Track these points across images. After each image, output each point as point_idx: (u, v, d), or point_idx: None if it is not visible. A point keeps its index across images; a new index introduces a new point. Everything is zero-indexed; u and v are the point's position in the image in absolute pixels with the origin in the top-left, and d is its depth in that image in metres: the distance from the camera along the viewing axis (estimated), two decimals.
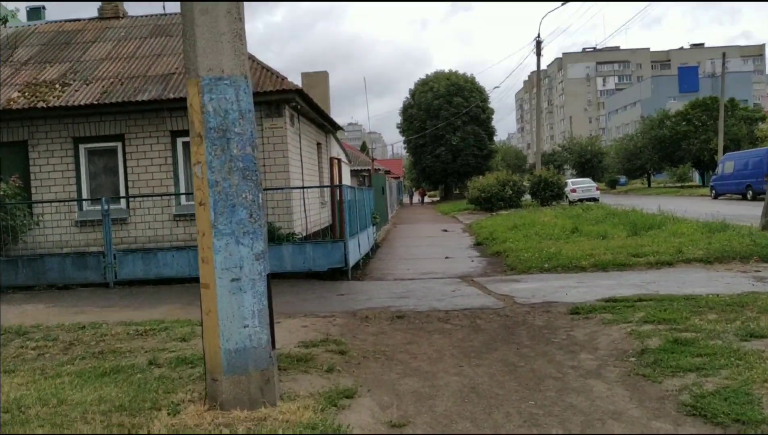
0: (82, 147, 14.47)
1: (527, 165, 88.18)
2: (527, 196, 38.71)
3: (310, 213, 16.03)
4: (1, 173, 14.15)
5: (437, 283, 11.62)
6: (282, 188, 13.55)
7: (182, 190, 14.34)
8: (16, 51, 16.71)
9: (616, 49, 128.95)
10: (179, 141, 14.36)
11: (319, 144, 19.07)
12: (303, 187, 14.72)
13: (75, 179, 14.37)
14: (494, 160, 65.37)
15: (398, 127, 65.40)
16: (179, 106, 13.85)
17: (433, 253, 16.91)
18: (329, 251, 12.36)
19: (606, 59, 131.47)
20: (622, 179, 70.95)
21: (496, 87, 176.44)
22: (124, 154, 14.34)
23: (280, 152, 14.05)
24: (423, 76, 65.57)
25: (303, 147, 16.17)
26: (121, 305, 10.47)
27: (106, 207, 12.53)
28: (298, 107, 15.06)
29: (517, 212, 29.20)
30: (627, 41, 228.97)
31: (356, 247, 13.58)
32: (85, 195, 14.39)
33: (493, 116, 63.25)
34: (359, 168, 38.96)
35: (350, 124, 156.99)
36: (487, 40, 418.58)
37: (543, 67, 48.36)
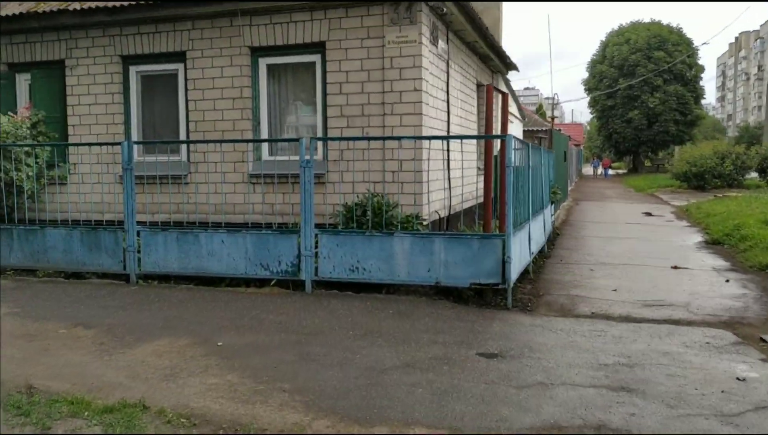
0: (133, 70, 10.11)
1: (726, 138, 74.96)
2: (752, 174, 30.19)
3: (456, 183, 10.56)
4: (35, 105, 10.20)
5: (683, 339, 5.70)
6: (400, 138, 8.14)
7: (263, 135, 9.54)
8: None
9: None
10: (262, 63, 9.50)
11: (479, 86, 13.38)
12: (445, 138, 9.24)
13: (123, 116, 10.08)
14: (699, 128, 55.01)
15: (583, 85, 56.92)
16: (263, 9, 8.99)
17: (646, 254, 10.72)
18: (475, 253, 6.87)
19: None
20: None
21: (704, 43, 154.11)
22: (186, 81, 9.77)
23: (410, 82, 8.68)
24: (616, 27, 56.29)
25: (452, 83, 10.64)
26: (119, 323, 5.86)
27: (127, 157, 8.00)
28: (446, 15, 9.51)
29: (752, 194, 21.50)
30: None
31: (524, 247, 7.94)
32: (135, 137, 10.08)
33: (702, 75, 52.83)
34: (535, 128, 32.52)
35: (526, 88, 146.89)
36: None
37: (755, 27, 38.17)
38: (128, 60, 10.03)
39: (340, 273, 7.26)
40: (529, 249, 8.41)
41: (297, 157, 7.68)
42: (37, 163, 9.17)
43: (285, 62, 9.43)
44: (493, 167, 8.67)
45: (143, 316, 6.46)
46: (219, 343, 5.50)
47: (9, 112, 9.34)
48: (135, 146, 9.98)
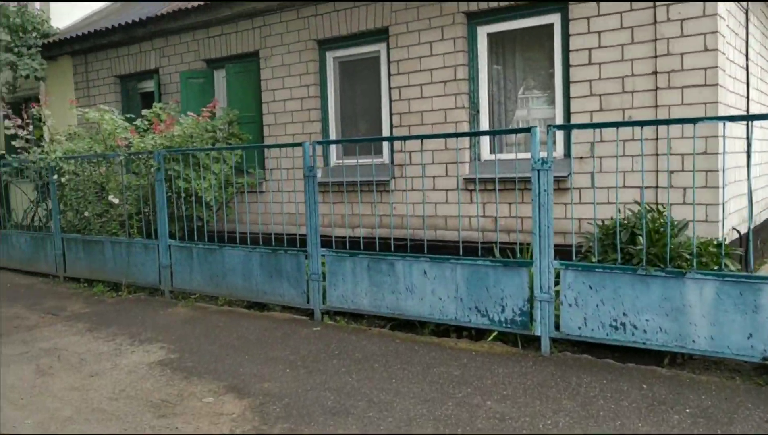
0: (330, 56, 8.54)
1: None
2: None
3: (759, 184, 7.37)
4: (230, 103, 9.15)
5: None
6: (692, 120, 5.29)
7: (483, 127, 7.35)
8: None
9: None
10: (481, 32, 7.30)
11: None
12: (755, 117, 6.21)
13: (320, 112, 8.56)
14: None
15: None
16: None
17: None
18: None
19: None
20: None
21: None
22: (389, 64, 7.93)
23: (697, 39, 5.87)
24: None
25: (751, 43, 7.47)
26: (278, 393, 4.16)
27: (309, 161, 6.32)
28: None
29: None
30: None
31: None
32: (333, 136, 8.51)
33: None
34: None
35: None
36: None
37: None
38: (324, 44, 8.47)
39: (595, 330, 4.79)
40: None
41: (527, 155, 5.38)
42: (223, 169, 7.96)
43: (512, 28, 7.11)
44: None
45: (312, 384, 4.62)
46: None
47: (189, 112, 8.28)
48: (328, 147, 8.43)
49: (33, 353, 5.77)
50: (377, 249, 6.09)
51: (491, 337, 5.34)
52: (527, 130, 5.14)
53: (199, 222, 7.75)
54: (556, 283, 5.00)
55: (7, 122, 9.48)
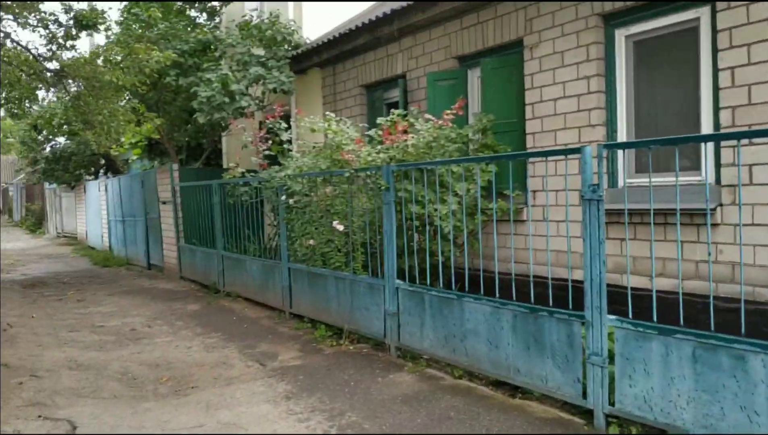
0: (620, 35, 6.15)
1: None
2: None
3: None
4: (485, 107, 7.28)
5: None
6: None
7: None
8: None
9: None
10: None
11: None
12: None
13: (605, 112, 6.22)
14: None
15: None
16: None
17: None
18: None
19: None
20: None
21: None
22: (714, 36, 5.32)
23: None
24: None
25: None
26: None
27: (590, 178, 4.07)
28: None
29: None
30: None
31: None
32: (622, 136, 6.10)
33: None
34: None
35: None
36: None
37: None
38: (612, 19, 6.13)
39: None
40: None
41: None
42: (469, 190, 6.02)
43: None
44: None
45: None
46: None
47: (425, 114, 6.49)
48: (614, 160, 6.06)
49: (208, 427, 4.39)
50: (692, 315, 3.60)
51: None
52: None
53: (435, 257, 5.90)
54: None
55: (245, 136, 8.73)
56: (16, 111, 12.36)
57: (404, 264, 5.86)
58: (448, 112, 6.36)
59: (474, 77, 7.80)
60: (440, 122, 6.30)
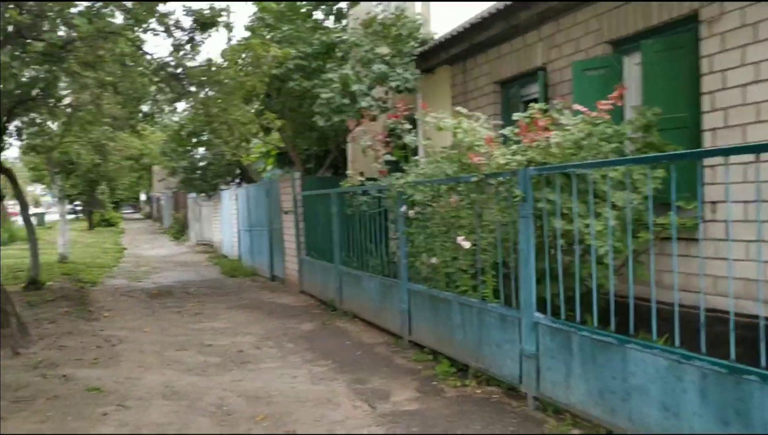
0: None
1: None
2: None
3: None
4: (647, 99, 5.95)
5: None
6: None
7: None
8: None
9: None
10: None
11: None
12: None
13: None
14: None
15: None
16: None
17: None
18: None
19: None
20: None
21: None
22: None
23: None
24: None
25: None
26: None
27: None
28: None
29: None
30: None
31: None
32: None
33: None
34: None
35: None
36: None
37: None
38: None
39: None
40: None
41: None
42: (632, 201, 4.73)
43: None
44: None
45: None
46: None
47: (574, 106, 5.26)
48: None
49: None
50: None
51: None
52: None
53: (583, 284, 4.68)
54: None
55: (364, 140, 7.89)
56: (148, 124, 12.45)
57: (545, 292, 4.70)
58: (604, 102, 5.10)
59: (631, 64, 6.45)
60: (594, 114, 5.06)
